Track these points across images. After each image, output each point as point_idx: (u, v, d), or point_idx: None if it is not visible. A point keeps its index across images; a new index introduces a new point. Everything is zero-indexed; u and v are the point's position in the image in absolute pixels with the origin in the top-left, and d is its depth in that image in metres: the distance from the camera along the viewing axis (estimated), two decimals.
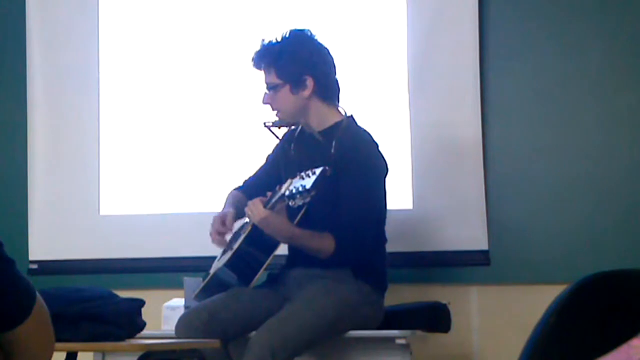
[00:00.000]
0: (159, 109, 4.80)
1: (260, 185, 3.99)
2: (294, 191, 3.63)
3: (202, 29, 4.78)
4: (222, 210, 4.00)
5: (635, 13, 4.35)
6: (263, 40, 3.95)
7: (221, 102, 4.73)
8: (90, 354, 4.15)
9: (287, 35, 3.93)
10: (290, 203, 3.66)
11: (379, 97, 4.54)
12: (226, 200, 4.08)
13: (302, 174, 3.66)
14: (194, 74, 4.77)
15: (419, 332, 4.00)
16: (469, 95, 4.44)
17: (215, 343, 3.65)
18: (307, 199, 3.61)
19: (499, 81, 4.45)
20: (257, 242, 3.83)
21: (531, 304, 4.09)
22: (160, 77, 4.81)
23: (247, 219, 3.92)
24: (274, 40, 3.93)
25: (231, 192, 4.13)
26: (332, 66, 3.96)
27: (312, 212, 3.81)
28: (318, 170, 3.61)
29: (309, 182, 3.59)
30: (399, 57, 4.54)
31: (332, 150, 3.86)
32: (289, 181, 3.70)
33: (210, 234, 3.95)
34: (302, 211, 3.80)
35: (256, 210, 3.74)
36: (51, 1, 4.93)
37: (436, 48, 4.50)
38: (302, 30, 3.96)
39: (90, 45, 4.87)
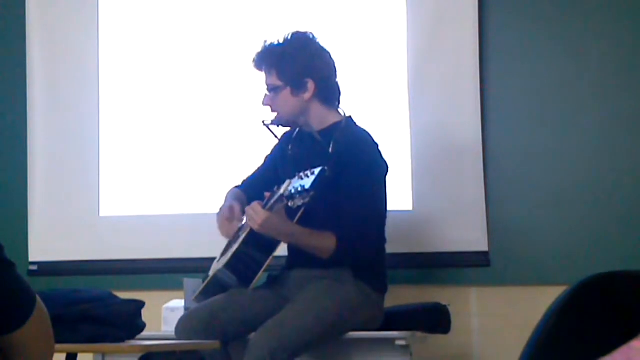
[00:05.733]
0: (159, 110, 4.80)
1: (258, 185, 3.98)
2: (293, 192, 3.61)
3: (202, 31, 4.77)
4: (226, 203, 3.99)
5: (635, 15, 4.35)
6: (265, 41, 3.95)
7: (221, 103, 4.72)
8: (90, 356, 4.15)
9: (289, 37, 3.93)
10: (289, 204, 3.64)
11: (379, 98, 4.54)
12: (226, 197, 4.07)
13: (301, 174, 3.64)
14: (194, 75, 4.76)
15: (419, 334, 4.00)
16: (469, 97, 4.43)
17: (215, 344, 3.65)
18: (307, 200, 3.59)
19: (499, 82, 4.45)
20: (256, 243, 3.82)
21: (531, 305, 4.09)
22: (160, 79, 4.81)
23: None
24: (276, 42, 3.93)
25: (231, 189, 4.12)
26: (334, 69, 3.96)
27: (312, 213, 3.79)
28: (317, 171, 3.60)
29: (308, 182, 3.58)
30: (399, 57, 4.54)
31: (330, 150, 3.86)
32: (287, 182, 3.68)
33: (218, 223, 3.94)
34: (301, 211, 3.79)
35: (256, 215, 3.72)
36: (51, 1, 4.93)
37: (436, 49, 4.50)
38: (304, 33, 3.96)
39: (90, 46, 4.87)
